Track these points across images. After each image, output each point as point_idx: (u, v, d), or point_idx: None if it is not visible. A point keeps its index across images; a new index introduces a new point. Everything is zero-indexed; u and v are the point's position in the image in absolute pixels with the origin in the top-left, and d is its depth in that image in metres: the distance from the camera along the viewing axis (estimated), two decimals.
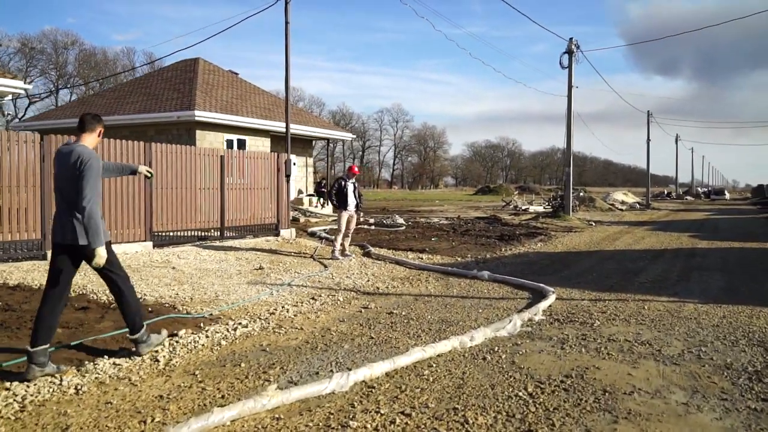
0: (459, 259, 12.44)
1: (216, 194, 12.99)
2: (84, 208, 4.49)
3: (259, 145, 22.99)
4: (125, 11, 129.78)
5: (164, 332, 5.49)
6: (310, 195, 26.43)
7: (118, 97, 23.86)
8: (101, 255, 4.59)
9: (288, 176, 14.83)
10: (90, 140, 4.80)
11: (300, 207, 24.55)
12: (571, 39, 25.67)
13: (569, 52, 25.67)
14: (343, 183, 11.94)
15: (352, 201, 12.06)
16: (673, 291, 8.77)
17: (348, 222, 12.16)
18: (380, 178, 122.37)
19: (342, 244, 12.25)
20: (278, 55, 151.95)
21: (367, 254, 12.56)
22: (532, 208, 34.30)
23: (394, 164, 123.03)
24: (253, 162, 13.94)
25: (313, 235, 15.94)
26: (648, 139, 49.43)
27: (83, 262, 4.76)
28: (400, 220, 22.27)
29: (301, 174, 27.15)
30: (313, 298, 7.80)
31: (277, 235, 14.56)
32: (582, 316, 6.96)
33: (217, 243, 12.83)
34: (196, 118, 19.69)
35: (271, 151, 23.92)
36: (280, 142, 25.02)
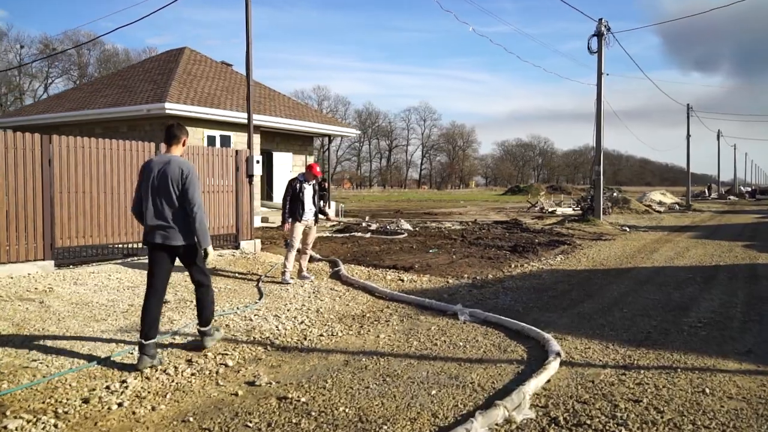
0: (451, 281, 9.69)
1: None
2: (196, 213, 5.06)
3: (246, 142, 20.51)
4: (158, 16, 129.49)
5: (222, 331, 5.94)
6: None
7: (94, 91, 21.67)
8: (212, 253, 5.29)
9: (251, 176, 12.27)
10: (179, 150, 5.35)
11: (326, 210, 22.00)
12: (600, 20, 22.58)
13: (598, 35, 22.58)
14: (297, 186, 9.29)
15: (309, 208, 9.41)
16: (744, 345, 5.89)
17: (305, 235, 9.52)
18: (408, 177, 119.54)
19: (298, 264, 9.62)
20: (315, 57, 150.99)
21: (336, 275, 9.89)
22: (559, 210, 31.20)
23: (422, 164, 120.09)
24: (203, 159, 11.40)
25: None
26: (688, 135, 45.65)
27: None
28: (406, 226, 19.65)
29: None
30: (188, 361, 5.16)
31: (237, 247, 12.01)
32: (599, 411, 4.16)
33: None
34: (168, 112, 17.29)
35: (261, 150, 21.49)
36: (274, 138, 22.58)
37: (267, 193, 23.29)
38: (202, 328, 5.45)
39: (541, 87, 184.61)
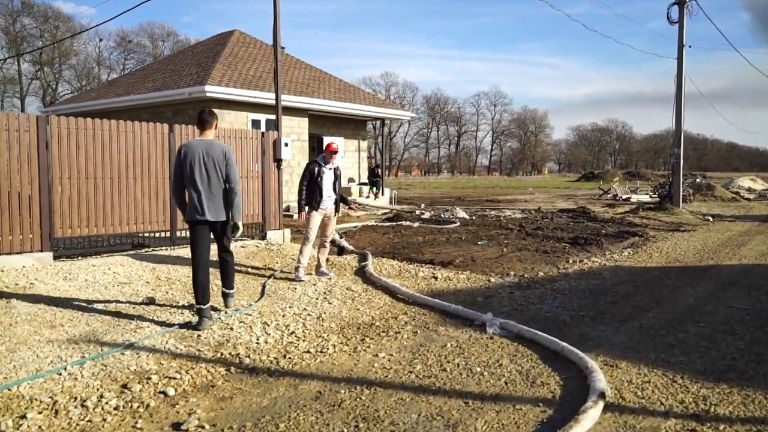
0: (493, 279, 8.33)
1: (163, 185, 9.62)
2: (234, 189, 5.67)
3: (294, 125, 19.62)
4: (231, 8, 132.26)
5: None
6: (361, 184, 22.85)
7: (144, 76, 21.32)
8: (241, 228, 5.97)
9: (279, 161, 11.25)
10: (212, 134, 5.85)
11: (346, 198, 21.01)
12: None
13: (680, 2, 20.24)
14: (316, 170, 8.15)
15: (329, 196, 8.26)
16: None
17: (323, 226, 8.39)
18: (477, 164, 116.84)
19: (317, 259, 8.50)
20: (384, 44, 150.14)
21: (361, 271, 8.72)
22: (634, 197, 28.81)
23: (491, 150, 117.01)
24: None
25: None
26: None
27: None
28: (461, 215, 18.27)
29: (353, 160, 23.57)
30: (123, 387, 4.11)
31: (263, 238, 11.03)
32: None
33: (164, 251, 9.48)
34: (208, 95, 16.55)
35: (311, 134, 20.57)
36: (324, 123, 21.61)
37: None
38: (228, 290, 6.19)
39: (618, 70, 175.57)
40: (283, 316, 6.08)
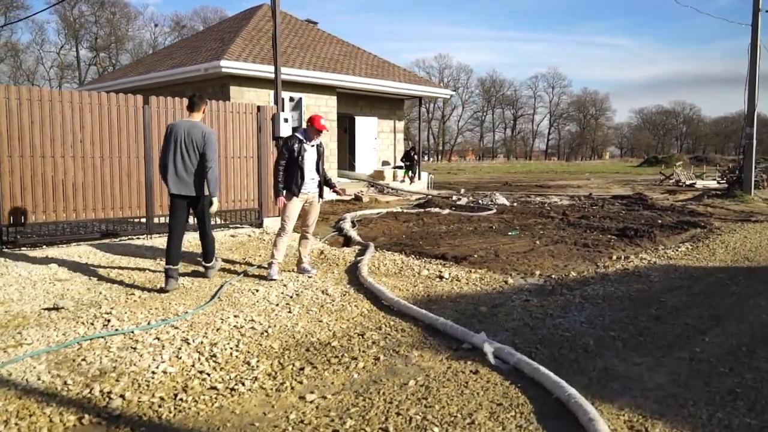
0: (511, 280, 6.79)
1: (138, 165, 8.46)
2: (211, 168, 6.11)
3: (321, 104, 18.31)
4: None
5: (220, 261, 7.03)
6: (396, 167, 21.39)
7: (167, 54, 20.44)
8: (216, 204, 6.30)
9: (277, 139, 9.95)
10: (199, 116, 6.42)
11: (379, 182, 19.63)
12: None
13: None
14: (296, 146, 6.74)
15: (311, 178, 6.86)
16: None
17: (305, 214, 7.01)
18: (534, 148, 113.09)
19: (298, 253, 7.15)
20: (440, 27, 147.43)
21: (354, 267, 7.31)
22: (699, 183, 26.27)
23: (549, 133, 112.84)
24: (214, 117, 9.22)
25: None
26: None
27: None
28: (501, 201, 16.64)
29: (388, 141, 22.12)
30: None
31: (260, 225, 9.80)
32: None
33: (138, 241, 8.34)
34: (224, 71, 15.40)
35: (341, 114, 19.23)
36: (357, 102, 20.25)
37: (349, 162, 21.07)
38: (207, 264, 6.66)
39: (685, 50, 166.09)
40: (218, 330, 4.75)
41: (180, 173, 6.09)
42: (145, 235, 8.58)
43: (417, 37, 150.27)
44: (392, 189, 19.26)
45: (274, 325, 4.92)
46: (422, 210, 14.08)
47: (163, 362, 4.00)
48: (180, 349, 4.28)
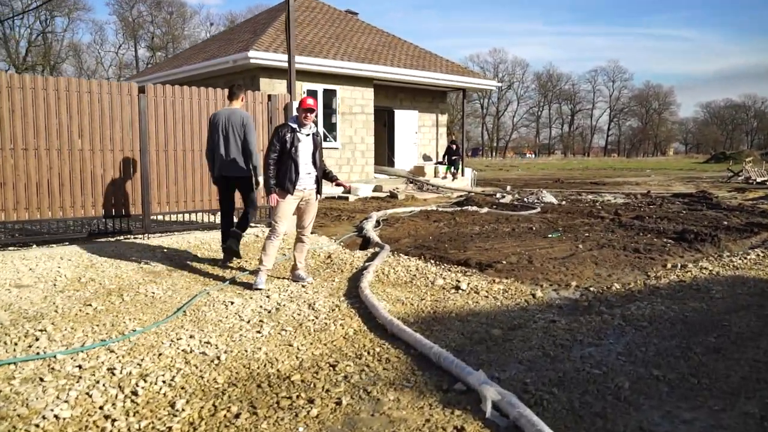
0: (540, 293, 5.72)
1: (133, 158, 7.76)
2: (252, 151, 6.62)
3: (357, 96, 17.44)
4: None
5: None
6: (438, 163, 20.32)
7: (203, 47, 19.99)
8: (261, 183, 6.35)
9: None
10: (239, 104, 6.87)
11: (419, 178, 18.63)
12: None
13: None
14: (289, 136, 5.84)
15: (307, 172, 5.95)
16: None
17: (300, 213, 6.11)
18: (593, 144, 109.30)
19: (293, 259, 6.26)
20: (497, 23, 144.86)
21: (359, 275, 6.37)
22: None
23: (608, 129, 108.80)
24: (220, 105, 8.45)
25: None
26: None
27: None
28: (548, 199, 15.48)
29: (430, 136, 21.06)
30: None
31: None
32: None
33: (131, 239, 7.66)
34: (252, 62, 14.72)
35: (379, 107, 18.33)
36: (396, 94, 19.36)
37: (387, 158, 20.14)
38: (237, 230, 6.79)
39: (757, 42, 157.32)
40: (159, 355, 3.90)
41: (224, 157, 6.58)
42: (143, 235, 7.90)
43: (472, 33, 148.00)
44: (432, 186, 18.23)
45: (232, 350, 4.04)
46: (459, 209, 13.03)
47: (64, 402, 3.16)
48: (98, 382, 3.45)
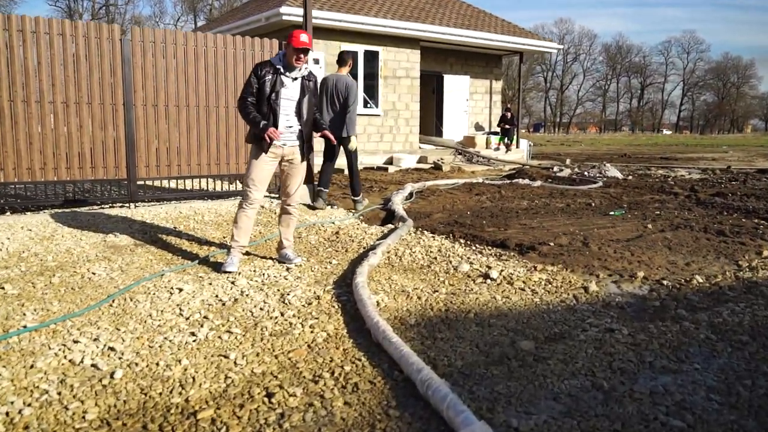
0: (594, 286, 4.29)
1: (114, 113, 6.66)
2: (351, 111, 7.30)
3: (402, 59, 15.97)
4: None
5: (366, 200, 8.03)
6: (491, 133, 18.69)
7: (242, 8, 18.89)
8: (355, 141, 7.43)
9: None
10: (345, 70, 7.49)
11: (469, 149, 17.10)
12: None
13: None
14: (269, 78, 4.52)
15: (288, 125, 4.64)
16: None
17: (284, 179, 4.85)
18: (663, 120, 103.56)
19: (279, 235, 5.01)
20: None
21: (368, 255, 5.08)
22: None
23: (681, 104, 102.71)
24: (219, 56, 7.25)
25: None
26: None
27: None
28: (612, 173, 13.79)
29: (482, 104, 19.39)
30: None
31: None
32: None
33: (113, 210, 6.60)
34: (285, 18, 13.44)
35: (427, 71, 16.86)
36: (446, 58, 17.88)
37: (435, 127, 18.65)
38: (354, 198, 7.71)
39: None
40: (31, 367, 2.73)
41: (331, 117, 7.27)
42: (127, 204, 6.83)
43: (537, 3, 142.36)
44: (483, 158, 16.67)
45: (137, 364, 2.83)
46: (509, 181, 11.53)
47: None
48: None
